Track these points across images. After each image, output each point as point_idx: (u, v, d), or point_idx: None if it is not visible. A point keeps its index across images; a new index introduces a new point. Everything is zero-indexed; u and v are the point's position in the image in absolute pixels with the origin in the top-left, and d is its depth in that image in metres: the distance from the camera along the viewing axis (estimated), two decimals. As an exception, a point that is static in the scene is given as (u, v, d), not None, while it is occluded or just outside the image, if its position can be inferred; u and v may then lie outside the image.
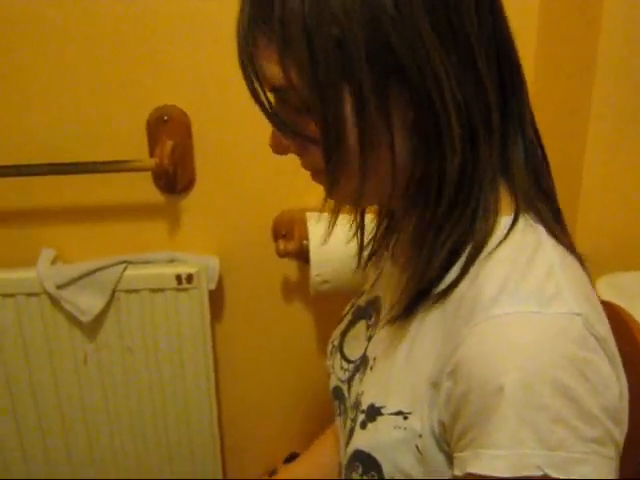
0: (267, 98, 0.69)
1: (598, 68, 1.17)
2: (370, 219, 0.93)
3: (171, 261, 1.54)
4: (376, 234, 0.93)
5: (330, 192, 0.72)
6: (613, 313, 0.98)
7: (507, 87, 0.70)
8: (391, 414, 0.72)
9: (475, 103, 0.66)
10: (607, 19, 1.14)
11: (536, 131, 0.76)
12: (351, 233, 0.88)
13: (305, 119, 0.68)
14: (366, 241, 0.93)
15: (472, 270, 0.68)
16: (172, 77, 1.43)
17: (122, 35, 1.39)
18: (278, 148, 0.74)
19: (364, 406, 0.76)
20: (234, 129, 1.41)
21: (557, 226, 0.73)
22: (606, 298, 1.12)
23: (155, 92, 1.44)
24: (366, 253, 0.95)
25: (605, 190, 1.26)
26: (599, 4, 1.14)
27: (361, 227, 0.88)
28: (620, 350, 0.67)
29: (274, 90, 0.69)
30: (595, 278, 1.24)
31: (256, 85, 0.68)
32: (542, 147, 0.77)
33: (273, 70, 0.66)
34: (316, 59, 0.62)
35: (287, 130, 0.71)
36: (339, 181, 0.69)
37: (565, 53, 1.32)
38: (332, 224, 0.77)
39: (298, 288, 1.63)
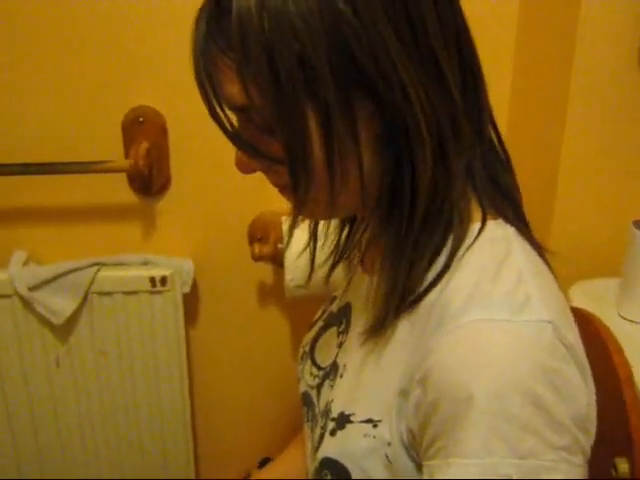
0: (227, 118, 0.67)
1: (574, 64, 1.17)
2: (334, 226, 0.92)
3: (145, 263, 1.52)
4: (339, 241, 0.92)
5: (298, 209, 0.70)
6: (584, 320, 0.99)
7: (468, 89, 0.69)
8: (361, 422, 0.71)
9: (443, 111, 0.65)
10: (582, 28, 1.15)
11: (496, 129, 0.76)
12: (303, 246, 0.87)
13: (269, 139, 0.66)
14: (329, 249, 0.92)
15: (443, 277, 0.68)
16: (148, 78, 1.42)
17: (98, 35, 1.38)
18: (244, 168, 0.72)
19: (334, 413, 0.75)
20: (210, 131, 1.37)
21: (524, 228, 0.73)
22: (579, 304, 1.13)
23: (131, 93, 1.43)
24: (328, 263, 0.94)
25: (580, 195, 1.26)
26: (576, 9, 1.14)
27: (314, 236, 0.87)
28: (590, 357, 0.67)
29: (235, 109, 0.67)
30: (569, 284, 1.25)
31: (215, 105, 0.66)
32: (503, 146, 0.77)
33: (233, 89, 0.64)
34: (278, 77, 0.60)
35: (250, 151, 0.69)
36: (307, 199, 0.68)
37: (545, 41, 1.32)
38: (291, 233, 0.74)
39: (273, 292, 1.63)
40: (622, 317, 1.18)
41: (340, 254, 0.93)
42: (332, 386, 0.81)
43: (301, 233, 0.84)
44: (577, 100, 1.19)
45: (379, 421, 0.69)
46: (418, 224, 0.68)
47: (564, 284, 1.18)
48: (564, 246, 1.25)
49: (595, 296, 1.22)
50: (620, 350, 0.94)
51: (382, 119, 0.64)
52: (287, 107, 0.62)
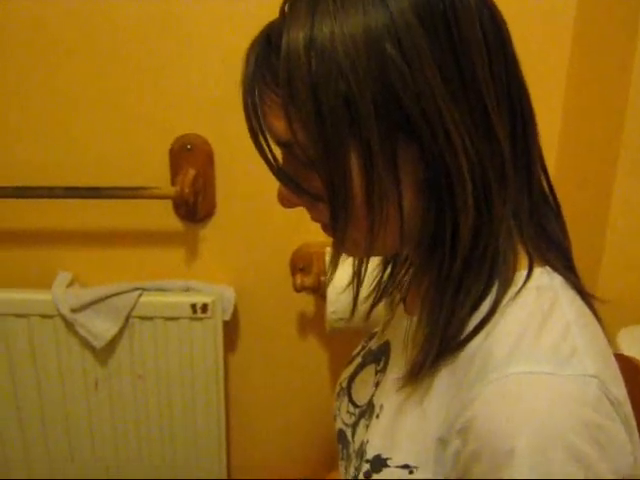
0: (273, 154, 0.68)
1: (628, 111, 1.15)
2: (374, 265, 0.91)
3: (187, 290, 1.53)
4: (380, 280, 0.92)
5: (337, 247, 0.70)
6: (632, 367, 0.96)
7: (518, 135, 0.68)
8: (397, 467, 0.70)
9: (488, 157, 0.64)
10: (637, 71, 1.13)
11: (548, 178, 0.75)
12: (349, 280, 0.87)
13: (312, 175, 0.66)
14: (370, 287, 0.92)
15: (487, 325, 0.66)
16: (197, 106, 1.43)
17: (150, 62, 1.40)
18: (286, 202, 0.73)
19: (369, 456, 0.74)
20: (256, 161, 1.39)
21: (572, 276, 0.71)
22: (627, 351, 1.10)
23: (179, 120, 1.44)
24: (370, 299, 0.93)
25: (629, 240, 1.23)
26: (631, 49, 1.12)
27: (359, 275, 0.86)
28: (635, 406, 0.65)
29: (280, 145, 0.68)
30: (617, 329, 1.21)
31: (261, 140, 0.67)
32: (554, 194, 0.76)
33: (278, 125, 0.65)
34: (322, 115, 0.60)
35: (293, 186, 0.69)
36: (346, 237, 0.68)
37: (596, 88, 1.30)
38: (334, 268, 0.75)
39: (313, 323, 1.62)
40: (672, 365, 1.14)
41: (382, 292, 0.92)
42: (367, 426, 0.80)
43: (346, 266, 0.83)
44: (629, 145, 1.16)
45: (416, 467, 0.68)
46: (459, 269, 0.66)
47: (612, 330, 1.16)
48: (612, 291, 1.22)
49: (644, 342, 1.19)
50: (668, 399, 0.91)
51: (425, 163, 0.63)
52: (330, 146, 0.62)
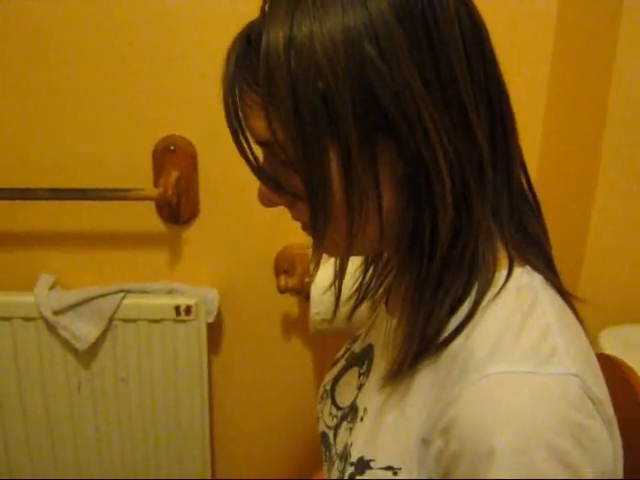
0: (253, 153, 0.68)
1: (609, 108, 1.16)
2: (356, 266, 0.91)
3: (170, 292, 1.52)
4: (362, 281, 0.92)
5: (317, 246, 0.71)
6: (614, 367, 0.97)
7: (497, 135, 0.68)
8: (380, 468, 0.70)
9: (466, 156, 0.64)
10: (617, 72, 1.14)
11: (527, 176, 0.75)
12: (330, 281, 0.87)
13: (292, 175, 0.67)
14: (353, 288, 0.92)
15: (468, 325, 0.66)
16: (180, 107, 1.43)
17: (133, 64, 1.39)
18: (266, 202, 0.73)
19: (353, 458, 0.74)
20: (240, 161, 1.39)
21: (552, 276, 0.72)
22: (609, 351, 1.11)
23: (163, 122, 1.44)
24: (353, 301, 0.93)
25: (612, 240, 1.24)
26: (612, 50, 1.13)
27: (340, 275, 0.87)
28: (620, 405, 0.66)
29: (261, 144, 0.68)
30: (599, 330, 1.22)
31: (242, 139, 0.67)
32: (534, 193, 0.76)
33: (258, 124, 0.65)
34: (301, 115, 0.61)
35: (273, 186, 0.70)
36: (325, 237, 0.68)
37: (578, 87, 1.31)
38: (316, 268, 0.76)
39: (297, 325, 1.61)
40: (653, 365, 1.15)
41: (364, 293, 0.92)
42: (351, 429, 0.80)
43: (329, 267, 0.84)
44: (611, 146, 1.17)
45: (399, 469, 0.68)
46: (438, 268, 0.67)
47: (594, 330, 1.17)
48: (594, 292, 1.23)
49: (625, 343, 1.20)
50: (651, 399, 0.92)
51: (403, 162, 0.64)
52: (309, 145, 0.62)
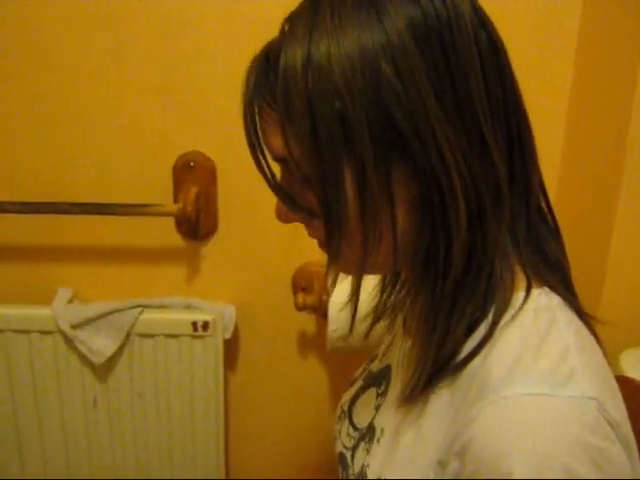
0: (270, 169, 0.69)
1: (630, 129, 1.15)
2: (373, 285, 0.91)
3: (188, 307, 1.52)
4: (379, 300, 0.92)
5: (332, 263, 0.71)
6: (635, 389, 0.95)
7: (515, 155, 0.68)
8: None
9: (482, 177, 0.64)
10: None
11: (546, 198, 0.75)
12: (348, 298, 0.87)
13: (308, 192, 0.67)
14: (370, 306, 0.92)
15: (485, 347, 0.66)
16: (201, 124, 1.44)
17: (154, 80, 1.40)
18: (283, 218, 0.74)
19: (369, 479, 0.73)
20: (258, 178, 1.39)
21: (570, 297, 0.71)
22: (630, 372, 1.09)
23: (182, 138, 1.44)
24: (370, 319, 0.93)
25: (634, 259, 1.23)
26: (634, 75, 1.13)
27: (356, 293, 0.86)
28: (638, 428, 0.64)
29: (278, 161, 0.69)
30: (620, 351, 1.21)
31: (259, 156, 0.68)
32: (552, 214, 0.76)
33: (276, 141, 0.66)
34: (317, 133, 0.61)
35: (289, 202, 0.70)
36: (340, 254, 0.68)
37: (598, 109, 1.30)
38: (333, 286, 0.78)
39: (315, 343, 1.61)
40: (674, 388, 1.13)
41: (381, 312, 0.92)
42: (368, 449, 0.79)
43: (347, 285, 0.83)
44: (632, 168, 1.16)
45: None
46: (452, 289, 0.67)
47: (615, 352, 1.16)
48: (615, 313, 1.21)
49: (647, 365, 1.18)
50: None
51: (418, 182, 0.64)
52: (324, 163, 0.62)
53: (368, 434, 0.81)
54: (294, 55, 0.61)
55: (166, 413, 1.55)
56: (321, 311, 1.48)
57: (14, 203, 1.42)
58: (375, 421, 0.81)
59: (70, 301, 1.51)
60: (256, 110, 0.67)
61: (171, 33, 1.38)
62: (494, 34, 0.66)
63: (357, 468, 0.80)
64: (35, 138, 1.45)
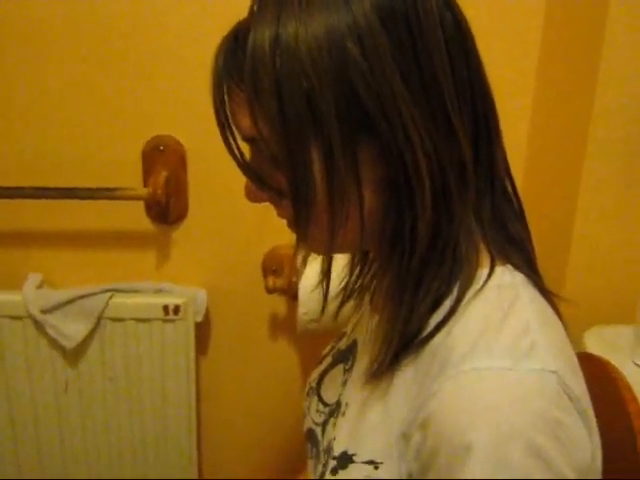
0: (239, 149, 0.69)
1: (594, 114, 1.17)
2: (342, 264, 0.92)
3: (159, 291, 1.52)
4: (348, 280, 0.92)
5: (300, 243, 0.72)
6: (598, 366, 0.97)
7: (481, 136, 0.69)
8: (362, 462, 0.70)
9: (448, 158, 0.65)
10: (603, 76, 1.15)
11: (510, 178, 0.76)
12: (317, 280, 0.88)
13: (276, 171, 0.68)
14: (340, 287, 0.93)
15: (448, 322, 0.67)
16: (170, 107, 1.43)
17: (123, 63, 1.40)
18: (252, 197, 0.75)
19: (336, 452, 0.74)
20: (229, 162, 1.39)
21: (533, 275, 0.72)
22: (593, 350, 1.11)
23: (152, 121, 1.44)
24: (339, 299, 0.94)
25: (596, 242, 1.25)
26: (597, 54, 1.14)
27: (327, 274, 0.87)
28: (603, 405, 0.66)
29: (247, 141, 0.70)
30: (583, 330, 1.23)
31: (228, 135, 0.69)
32: (517, 195, 0.77)
33: (245, 121, 0.66)
34: (285, 113, 0.62)
35: (258, 182, 0.71)
36: (308, 234, 0.69)
37: (564, 87, 1.32)
38: (303, 268, 0.77)
39: (285, 325, 1.62)
40: (637, 365, 1.16)
41: (350, 292, 0.93)
42: (335, 424, 0.80)
43: (316, 266, 0.84)
44: (595, 148, 1.18)
45: (380, 463, 0.68)
46: (417, 267, 0.68)
47: (578, 330, 1.18)
48: (579, 293, 1.24)
49: (610, 343, 1.20)
50: (635, 399, 0.92)
51: (385, 161, 0.64)
52: (292, 142, 0.63)
53: (336, 409, 0.82)
54: (262, 35, 0.62)
55: (138, 397, 1.55)
56: (291, 293, 1.49)
57: (-18, 188, 1.42)
58: (341, 397, 0.82)
59: (40, 286, 1.51)
60: (225, 90, 0.67)
61: (141, 17, 1.37)
62: (460, 16, 0.67)
63: (326, 443, 0.81)
64: (2, 123, 1.44)
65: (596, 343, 1.20)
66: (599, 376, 0.93)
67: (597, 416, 0.65)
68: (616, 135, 1.17)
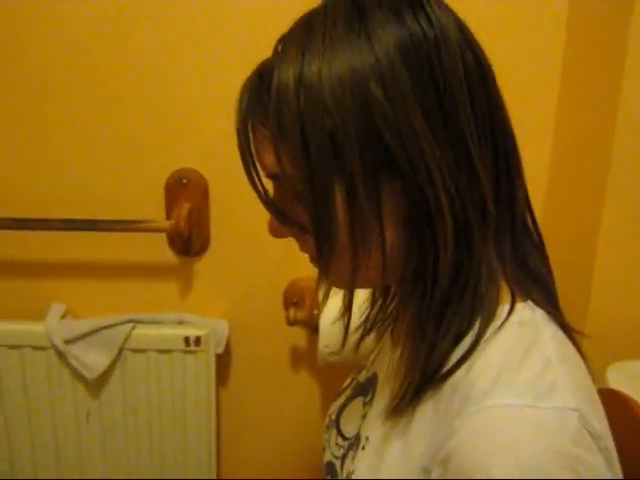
0: (263, 185, 0.70)
1: (614, 150, 1.17)
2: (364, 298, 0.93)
3: (180, 323, 1.53)
4: (369, 313, 0.93)
5: (322, 278, 0.73)
6: (621, 402, 0.96)
7: (501, 173, 0.70)
8: None
9: (469, 195, 0.65)
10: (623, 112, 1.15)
11: (532, 214, 0.76)
12: (338, 313, 0.88)
13: (299, 208, 0.69)
14: (360, 319, 0.93)
15: (469, 358, 0.67)
16: (193, 141, 1.45)
17: (147, 97, 1.42)
18: (275, 232, 0.75)
19: None
20: (250, 195, 1.41)
21: (554, 311, 0.72)
22: (616, 386, 1.10)
23: (176, 155, 1.46)
24: (360, 332, 0.94)
25: (619, 274, 1.24)
26: (617, 90, 1.15)
27: (349, 308, 0.88)
28: (626, 440, 0.65)
29: (271, 177, 0.70)
30: (606, 365, 1.22)
31: (252, 172, 0.69)
32: (538, 230, 0.77)
33: (268, 158, 0.67)
34: (309, 150, 0.63)
35: (281, 218, 0.72)
36: (330, 269, 0.70)
37: (584, 124, 1.33)
38: (324, 301, 0.80)
39: (306, 357, 1.62)
40: (660, 401, 1.15)
41: (371, 325, 0.93)
42: (354, 457, 0.80)
43: (338, 299, 0.85)
44: (616, 183, 1.18)
45: None
46: (438, 303, 0.68)
47: (601, 365, 1.17)
48: (601, 327, 1.23)
49: (632, 378, 1.19)
50: (658, 434, 0.92)
51: (407, 199, 0.65)
52: (315, 180, 0.64)
53: (355, 443, 0.82)
54: (287, 74, 0.63)
55: (158, 428, 1.55)
56: (312, 325, 1.49)
57: (8, 219, 1.44)
58: (361, 430, 0.82)
59: (63, 317, 1.52)
60: (249, 128, 0.68)
61: (167, 49, 1.40)
62: (480, 54, 0.68)
63: (344, 476, 0.81)
64: (28, 154, 1.46)
65: (619, 379, 1.19)
66: (622, 412, 0.93)
67: (619, 452, 0.64)
68: (637, 169, 1.17)
